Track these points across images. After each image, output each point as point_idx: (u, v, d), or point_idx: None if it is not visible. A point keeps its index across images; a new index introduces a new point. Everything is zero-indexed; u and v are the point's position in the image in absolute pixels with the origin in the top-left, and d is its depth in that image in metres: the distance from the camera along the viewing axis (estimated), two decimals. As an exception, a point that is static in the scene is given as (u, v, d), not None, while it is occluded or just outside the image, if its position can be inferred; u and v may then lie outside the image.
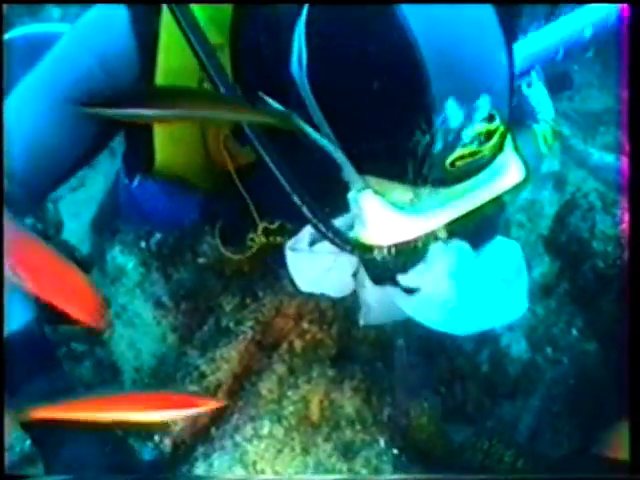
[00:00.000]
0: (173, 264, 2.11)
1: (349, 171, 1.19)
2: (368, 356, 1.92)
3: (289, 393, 1.79)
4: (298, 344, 1.87)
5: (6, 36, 2.60)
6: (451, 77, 1.07)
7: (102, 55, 1.49)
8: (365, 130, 1.15)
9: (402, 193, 1.18)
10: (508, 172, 1.24)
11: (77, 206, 2.74)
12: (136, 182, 1.79)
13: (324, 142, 1.18)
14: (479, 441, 1.95)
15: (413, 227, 1.22)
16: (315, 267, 1.56)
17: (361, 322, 1.70)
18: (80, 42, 1.53)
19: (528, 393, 2.14)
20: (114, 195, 2.52)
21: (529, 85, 1.91)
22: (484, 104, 1.09)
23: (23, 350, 1.48)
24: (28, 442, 1.87)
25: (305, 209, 1.27)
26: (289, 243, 1.56)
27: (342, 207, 1.26)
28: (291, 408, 1.76)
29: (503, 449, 1.92)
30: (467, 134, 1.10)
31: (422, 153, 1.11)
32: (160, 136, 1.55)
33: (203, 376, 1.84)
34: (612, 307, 1.89)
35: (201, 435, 1.79)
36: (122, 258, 2.16)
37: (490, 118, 1.11)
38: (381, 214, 1.20)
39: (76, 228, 2.58)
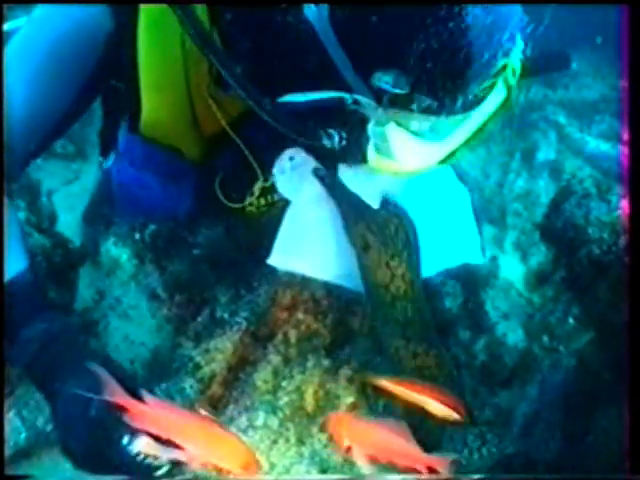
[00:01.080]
0: (167, 256, 2.11)
1: (369, 105, 1.22)
2: (363, 346, 1.90)
3: (284, 384, 1.78)
4: (293, 334, 1.86)
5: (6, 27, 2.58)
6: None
7: (78, 21, 1.49)
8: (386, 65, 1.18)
9: (421, 122, 1.24)
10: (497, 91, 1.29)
11: (71, 199, 2.72)
12: (110, 160, 1.76)
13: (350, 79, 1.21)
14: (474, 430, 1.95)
15: (435, 152, 1.29)
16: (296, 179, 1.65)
17: None
18: (57, 9, 1.52)
19: (525, 382, 2.13)
20: (105, 185, 2.51)
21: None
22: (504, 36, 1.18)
23: (21, 296, 1.46)
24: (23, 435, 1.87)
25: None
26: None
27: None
28: (286, 399, 1.75)
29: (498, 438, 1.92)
30: (493, 68, 1.19)
31: (457, 86, 1.17)
32: (146, 95, 1.53)
33: (198, 367, 1.83)
34: (608, 294, 1.88)
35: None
36: (116, 250, 2.16)
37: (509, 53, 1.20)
38: (406, 143, 1.26)
39: (70, 221, 2.56)
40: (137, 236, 2.14)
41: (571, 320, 2.15)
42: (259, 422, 1.71)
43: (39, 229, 2.24)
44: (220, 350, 1.84)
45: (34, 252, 2.08)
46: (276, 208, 1.76)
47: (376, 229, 1.71)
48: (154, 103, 1.55)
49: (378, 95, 1.21)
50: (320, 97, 1.25)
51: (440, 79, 1.17)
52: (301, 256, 1.72)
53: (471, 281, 2.29)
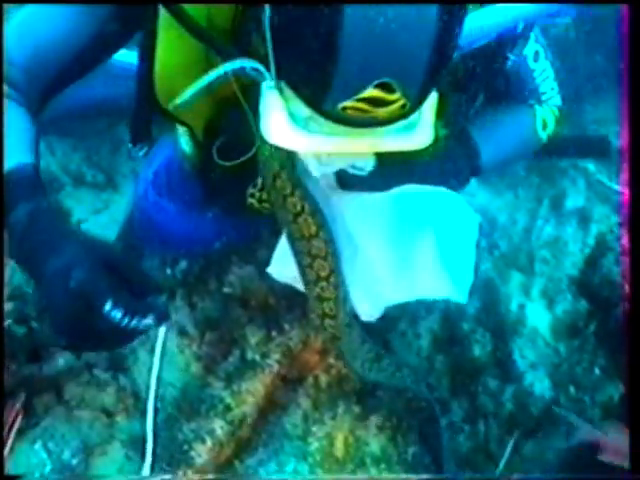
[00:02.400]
0: (198, 293, 2.11)
1: (272, 68, 1.33)
2: (393, 393, 1.90)
3: (314, 429, 1.78)
4: (324, 379, 1.85)
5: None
6: (363, 46, 1.22)
7: None
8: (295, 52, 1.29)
9: (300, 109, 1.34)
10: (415, 134, 1.40)
11: (100, 228, 2.73)
12: (142, 151, 1.82)
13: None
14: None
15: (301, 140, 1.37)
16: None
17: None
18: None
19: (550, 432, 2.13)
20: (135, 217, 2.52)
21: (536, 58, 1.90)
22: (381, 74, 1.24)
23: (17, 185, 1.49)
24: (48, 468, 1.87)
25: None
26: None
27: None
28: (316, 444, 1.74)
29: None
30: (361, 93, 1.25)
31: (324, 89, 1.26)
32: (164, 52, 1.60)
33: (228, 409, 1.83)
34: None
35: (225, 468, 1.78)
36: (147, 284, 2.16)
37: (387, 89, 1.25)
38: (277, 114, 1.36)
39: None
40: (168, 271, 2.14)
41: (597, 371, 2.15)
42: (289, 467, 1.71)
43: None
44: (251, 392, 1.84)
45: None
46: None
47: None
48: (171, 63, 1.60)
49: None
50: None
51: (304, 84, 1.31)
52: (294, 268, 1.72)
53: (500, 329, 2.30)
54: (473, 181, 1.86)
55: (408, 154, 1.47)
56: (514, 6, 1.58)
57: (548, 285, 2.52)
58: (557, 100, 1.98)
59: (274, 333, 1.95)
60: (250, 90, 1.53)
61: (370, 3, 1.21)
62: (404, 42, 1.23)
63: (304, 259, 1.71)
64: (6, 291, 1.98)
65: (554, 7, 1.62)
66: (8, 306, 1.97)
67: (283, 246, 1.73)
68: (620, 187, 2.79)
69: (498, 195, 2.79)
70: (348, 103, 1.27)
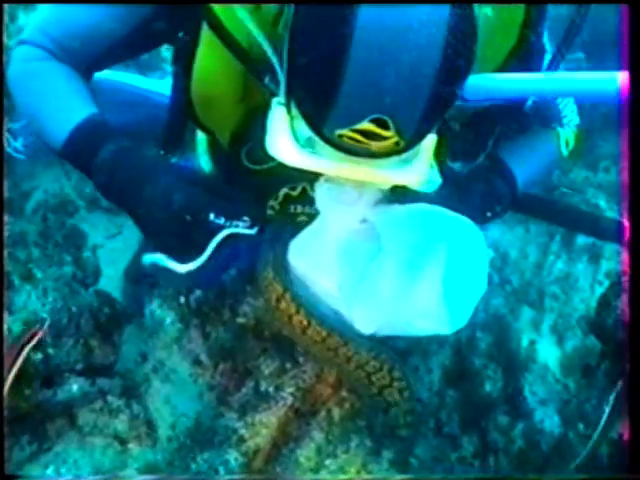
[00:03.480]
0: (212, 322, 2.12)
1: (282, 86, 1.43)
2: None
3: (327, 462, 1.78)
4: (337, 412, 1.86)
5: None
6: (365, 79, 1.28)
7: None
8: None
9: (304, 130, 1.42)
10: (408, 171, 1.46)
11: (115, 254, 2.75)
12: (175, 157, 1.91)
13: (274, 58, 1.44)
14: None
15: (301, 158, 1.44)
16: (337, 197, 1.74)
17: None
18: None
19: (559, 469, 2.13)
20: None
21: None
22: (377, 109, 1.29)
23: (92, 132, 1.69)
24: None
25: None
26: None
27: None
28: (329, 478, 1.75)
29: None
30: (357, 124, 1.31)
31: (325, 113, 1.33)
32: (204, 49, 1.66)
33: (242, 440, 1.84)
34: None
35: (238, 499, 1.79)
36: (161, 312, 2.17)
37: (382, 124, 1.30)
38: (282, 130, 1.44)
39: (113, 275, 2.59)
40: (182, 300, 2.15)
41: (606, 407, 2.15)
42: (302, 500, 1.72)
43: (85, 285, 2.25)
44: (265, 425, 1.85)
45: (81, 310, 2.10)
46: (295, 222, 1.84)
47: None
48: (210, 63, 1.68)
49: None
50: None
51: (308, 105, 1.39)
52: (314, 260, 1.74)
53: (511, 365, 2.30)
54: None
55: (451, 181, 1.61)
56: (525, 79, 1.60)
57: (558, 321, 2.54)
58: (576, 120, 2.06)
59: (288, 365, 1.96)
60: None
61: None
62: (405, 82, 1.28)
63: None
64: (22, 316, 1.99)
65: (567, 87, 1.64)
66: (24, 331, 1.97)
67: (305, 238, 1.76)
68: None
69: (509, 230, 2.81)
70: (344, 131, 1.34)
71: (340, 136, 1.35)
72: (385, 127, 1.31)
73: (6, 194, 2.26)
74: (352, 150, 1.38)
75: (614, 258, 2.61)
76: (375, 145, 1.35)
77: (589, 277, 2.68)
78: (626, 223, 2.45)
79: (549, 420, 2.22)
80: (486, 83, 1.56)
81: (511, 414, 2.19)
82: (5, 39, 2.63)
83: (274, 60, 1.44)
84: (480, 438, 2.11)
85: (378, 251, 1.72)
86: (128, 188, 1.64)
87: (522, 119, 1.89)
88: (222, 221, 1.60)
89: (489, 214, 1.87)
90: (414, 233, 1.73)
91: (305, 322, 1.73)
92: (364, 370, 1.76)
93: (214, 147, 1.99)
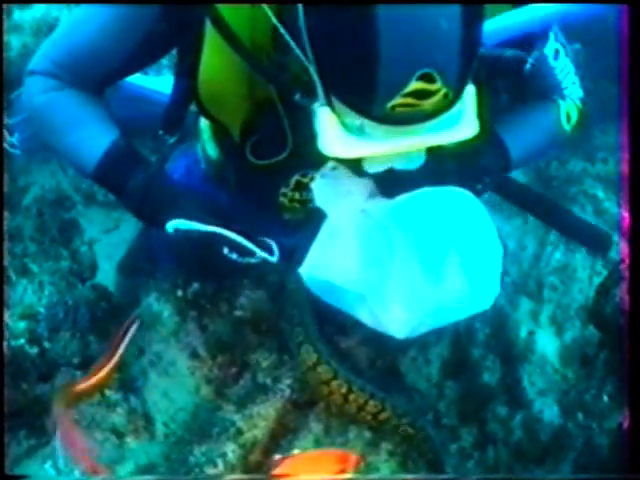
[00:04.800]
0: (209, 315, 2.11)
1: (319, 88, 1.42)
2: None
3: (325, 453, 1.78)
4: (335, 403, 1.86)
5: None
6: (399, 42, 1.30)
7: None
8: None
9: (353, 119, 1.42)
10: (461, 126, 1.47)
11: (111, 248, 2.74)
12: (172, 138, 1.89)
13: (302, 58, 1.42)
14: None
15: (357, 147, 1.45)
16: (334, 190, 1.77)
17: None
18: None
19: (558, 459, 2.12)
20: (145, 237, 2.54)
21: (556, 57, 1.93)
22: (421, 65, 1.31)
23: (120, 158, 1.77)
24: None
25: None
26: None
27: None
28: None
29: None
30: (406, 88, 1.32)
31: (370, 93, 1.34)
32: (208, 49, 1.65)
33: (240, 432, 1.84)
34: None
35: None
36: (158, 306, 2.17)
37: (428, 79, 1.32)
38: (331, 129, 1.44)
39: (110, 270, 2.58)
40: (179, 293, 2.14)
41: (605, 398, 2.14)
42: (300, 492, 1.71)
43: (82, 279, 2.25)
44: (263, 417, 1.85)
45: (78, 303, 2.10)
46: (308, 212, 1.86)
47: None
48: (215, 63, 1.66)
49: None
50: None
51: (350, 93, 1.39)
52: (334, 266, 1.74)
53: (510, 356, 2.30)
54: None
55: (439, 156, 1.60)
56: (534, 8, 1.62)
57: (557, 312, 2.53)
58: (579, 92, 2.03)
59: (285, 357, 1.96)
60: (286, 94, 1.60)
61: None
62: (436, 31, 1.32)
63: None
64: (18, 310, 1.99)
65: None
66: (20, 325, 1.97)
67: (319, 247, 1.76)
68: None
69: (507, 221, 2.80)
70: (395, 100, 1.34)
71: (392, 108, 1.35)
72: (431, 80, 1.33)
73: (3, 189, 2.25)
74: (407, 119, 1.40)
75: (612, 248, 2.60)
76: (427, 104, 1.36)
77: (587, 267, 2.67)
78: (625, 214, 2.45)
79: (548, 410, 2.21)
80: (494, 25, 1.60)
81: (510, 405, 2.19)
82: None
83: (297, 60, 1.44)
84: (479, 429, 2.11)
85: (390, 244, 1.72)
86: (156, 216, 1.74)
87: (520, 85, 1.89)
88: (234, 256, 1.69)
89: (479, 186, 1.86)
90: (421, 221, 1.74)
91: (344, 389, 1.82)
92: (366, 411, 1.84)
93: (219, 134, 1.99)
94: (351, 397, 1.82)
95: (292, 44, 1.42)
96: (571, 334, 2.46)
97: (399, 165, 1.58)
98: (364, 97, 1.37)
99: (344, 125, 1.44)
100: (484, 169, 1.89)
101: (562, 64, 1.95)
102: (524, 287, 2.58)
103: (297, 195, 1.85)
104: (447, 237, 1.74)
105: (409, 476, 1.85)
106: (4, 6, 2.77)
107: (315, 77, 1.41)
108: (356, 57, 1.33)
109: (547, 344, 2.44)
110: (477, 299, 1.76)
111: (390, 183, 1.76)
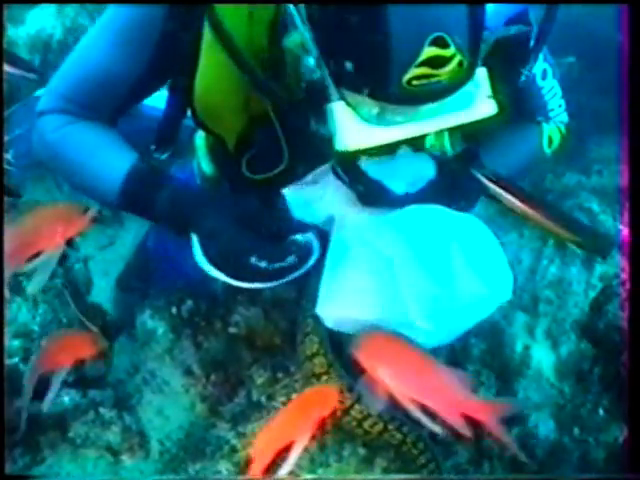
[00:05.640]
0: (204, 332, 2.11)
1: (329, 84, 1.41)
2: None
3: (320, 471, 1.78)
4: (329, 421, 1.85)
5: (42, 91, 2.64)
6: (407, 9, 1.31)
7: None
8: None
9: (370, 107, 1.41)
10: (477, 105, 1.48)
11: (106, 265, 2.74)
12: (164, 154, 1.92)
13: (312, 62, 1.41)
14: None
15: (378, 136, 1.44)
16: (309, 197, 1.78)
17: None
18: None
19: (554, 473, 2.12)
20: (143, 253, 2.54)
21: (544, 76, 1.94)
22: (432, 29, 1.31)
23: (143, 179, 1.72)
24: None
25: None
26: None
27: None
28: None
29: None
30: (419, 56, 1.31)
31: (384, 66, 1.33)
32: (204, 68, 1.65)
33: (234, 450, 1.83)
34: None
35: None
36: (152, 323, 2.17)
37: (441, 44, 1.31)
38: (350, 122, 1.43)
39: (105, 286, 2.59)
40: (174, 310, 2.15)
41: (601, 412, 2.14)
42: (295, 510, 1.71)
43: (76, 297, 2.25)
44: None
45: (71, 322, 2.10)
46: None
47: None
48: (212, 74, 1.66)
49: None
50: None
51: (364, 75, 1.38)
52: (347, 301, 1.72)
53: (505, 371, 2.29)
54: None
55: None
56: None
57: (552, 326, 2.53)
58: (564, 117, 2.04)
59: (280, 374, 1.95)
60: (281, 109, 1.64)
61: None
62: None
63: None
64: (12, 329, 1.98)
65: None
66: (15, 344, 1.97)
67: (327, 282, 1.74)
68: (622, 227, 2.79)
69: (503, 234, 2.80)
70: (410, 72, 1.33)
71: (409, 82, 1.34)
72: (445, 45, 1.32)
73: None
74: (424, 95, 1.38)
75: (608, 262, 2.60)
76: (443, 73, 1.35)
77: (583, 281, 2.67)
78: (623, 228, 2.45)
79: (544, 425, 2.20)
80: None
81: (505, 420, 2.18)
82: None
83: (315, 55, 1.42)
84: (475, 445, 2.10)
85: (391, 263, 1.71)
86: (184, 229, 1.70)
87: (514, 99, 1.89)
88: (264, 264, 1.63)
89: (453, 207, 1.85)
90: (415, 231, 1.74)
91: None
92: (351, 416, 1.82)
93: (215, 150, 1.99)
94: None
95: (298, 21, 1.41)
96: (567, 348, 2.45)
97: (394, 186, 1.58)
98: (379, 75, 1.36)
99: (361, 116, 1.43)
100: (462, 191, 1.87)
101: (549, 85, 1.96)
102: (519, 301, 2.58)
103: None
104: (445, 240, 1.73)
105: (409, 476, 1.85)
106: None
107: (325, 71, 1.41)
108: (366, 31, 1.32)
109: (543, 358, 2.43)
110: (494, 291, 1.75)
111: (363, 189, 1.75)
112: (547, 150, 2.03)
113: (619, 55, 2.10)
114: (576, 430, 2.15)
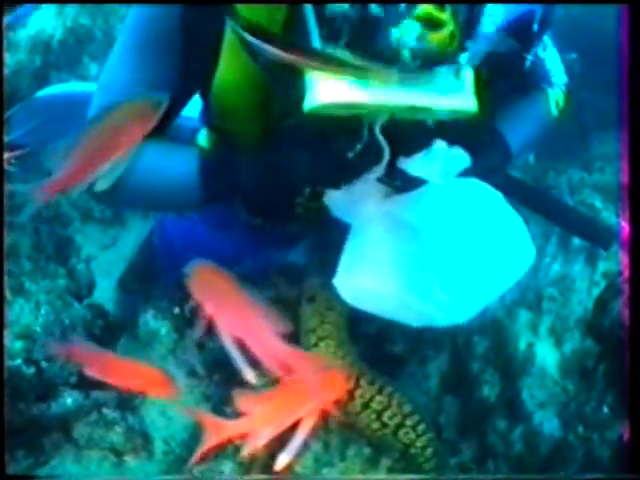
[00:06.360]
0: (207, 333, 2.10)
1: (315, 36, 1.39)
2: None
3: (324, 471, 1.77)
4: (334, 421, 1.85)
5: (43, 92, 2.64)
6: None
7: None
8: None
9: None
10: (461, 97, 1.44)
11: (108, 265, 2.74)
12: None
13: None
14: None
15: (351, 94, 1.38)
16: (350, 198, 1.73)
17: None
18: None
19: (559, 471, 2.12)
20: (148, 250, 2.54)
21: (544, 48, 1.97)
22: None
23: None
24: None
25: None
26: None
27: None
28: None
29: None
30: (416, 9, 1.29)
31: (377, 19, 1.31)
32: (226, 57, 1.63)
33: (237, 450, 1.82)
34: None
35: (233, 510, 1.78)
36: (155, 323, 2.16)
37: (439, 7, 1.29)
38: (325, 78, 1.38)
39: (107, 287, 2.58)
40: (177, 310, 2.14)
41: (606, 409, 2.14)
42: (299, 510, 1.70)
43: (79, 298, 2.25)
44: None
45: (74, 323, 2.10)
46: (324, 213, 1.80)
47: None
48: (232, 76, 1.63)
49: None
50: None
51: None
52: (368, 272, 1.71)
53: (509, 368, 2.29)
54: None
55: None
56: None
57: (556, 323, 2.52)
58: (564, 78, 2.06)
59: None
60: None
61: None
62: None
63: None
64: (14, 330, 1.98)
65: None
66: (17, 345, 1.97)
67: (349, 255, 1.73)
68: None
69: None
70: (402, 28, 1.30)
71: (398, 38, 1.31)
72: (441, 7, 1.30)
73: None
74: (410, 58, 1.34)
75: (611, 258, 2.59)
76: (435, 37, 1.32)
77: (586, 278, 2.66)
78: (624, 224, 2.45)
79: (548, 423, 2.20)
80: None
81: (510, 418, 2.18)
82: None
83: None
84: (479, 443, 2.10)
85: (417, 236, 1.70)
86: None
87: (520, 81, 1.90)
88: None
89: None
90: (441, 206, 1.73)
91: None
92: (371, 408, 1.79)
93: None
94: (357, 392, 1.81)
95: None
96: (571, 345, 2.44)
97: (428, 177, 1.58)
98: (367, 25, 1.33)
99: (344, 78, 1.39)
100: (488, 166, 1.87)
101: (550, 54, 2.00)
102: (522, 299, 2.57)
103: (313, 204, 1.83)
104: (473, 213, 1.73)
105: (409, 476, 1.85)
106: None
107: (311, 21, 1.40)
108: None
109: (547, 356, 2.42)
110: (515, 262, 1.75)
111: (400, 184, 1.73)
112: (555, 113, 2.05)
113: (620, 52, 2.10)
114: (580, 428, 2.14)
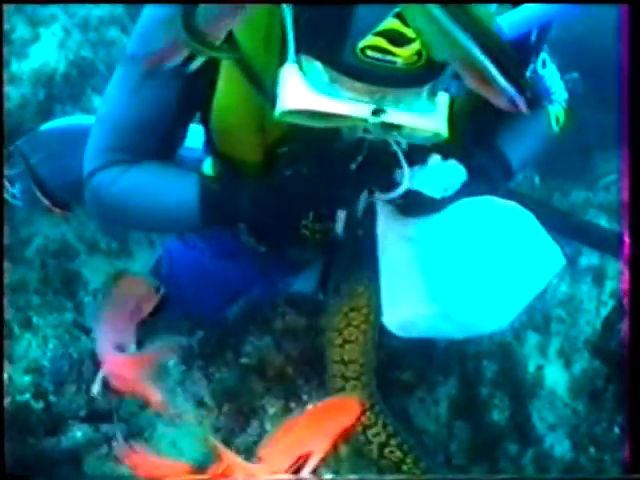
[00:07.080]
0: (215, 363, 2.11)
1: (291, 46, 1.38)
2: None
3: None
4: (344, 449, 1.84)
5: (47, 125, 2.65)
6: None
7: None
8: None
9: (320, 74, 1.37)
10: (432, 119, 1.43)
11: (116, 297, 2.73)
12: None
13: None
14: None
15: (319, 103, 1.38)
16: None
17: None
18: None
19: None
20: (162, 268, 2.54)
21: (544, 65, 1.95)
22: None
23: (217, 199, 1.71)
24: None
25: None
26: None
27: None
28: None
29: None
30: (381, 25, 1.28)
31: (343, 33, 1.30)
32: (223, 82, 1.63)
33: (248, 482, 1.82)
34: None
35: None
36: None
37: (404, 20, 1.26)
38: (295, 84, 1.38)
39: (115, 319, 2.58)
40: (184, 342, 2.14)
41: (617, 430, 2.13)
42: (309, 541, 1.69)
43: (86, 331, 2.25)
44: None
45: (82, 357, 2.10)
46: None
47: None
48: (229, 99, 1.64)
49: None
50: None
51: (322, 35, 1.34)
52: (405, 301, 1.72)
53: (518, 392, 2.29)
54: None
55: None
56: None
57: (565, 345, 2.52)
58: (564, 95, 2.05)
59: (292, 404, 1.95)
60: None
61: None
62: None
63: None
64: (22, 365, 1.98)
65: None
66: (25, 380, 1.97)
67: (387, 289, 1.75)
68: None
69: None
70: (368, 41, 1.29)
71: (363, 50, 1.30)
72: (406, 23, 1.27)
73: (5, 241, 2.25)
74: (376, 70, 1.34)
75: (618, 278, 2.59)
76: (399, 52, 1.31)
77: (594, 298, 2.66)
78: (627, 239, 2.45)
79: (559, 445, 2.19)
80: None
81: (520, 442, 2.17)
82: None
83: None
84: (490, 468, 2.09)
85: (443, 256, 1.71)
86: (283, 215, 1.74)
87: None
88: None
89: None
90: (461, 224, 1.73)
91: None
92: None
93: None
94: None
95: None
96: (580, 366, 2.44)
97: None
98: (336, 37, 1.32)
99: (310, 82, 1.39)
100: (490, 184, 1.87)
101: (549, 71, 1.99)
102: (530, 321, 2.57)
103: (318, 226, 1.83)
104: (491, 230, 1.72)
105: (407, 476, 1.84)
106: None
107: (289, 32, 1.38)
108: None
109: (556, 378, 2.42)
110: (544, 264, 1.75)
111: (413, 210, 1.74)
112: (556, 129, 2.03)
113: (622, 69, 2.10)
114: (592, 449, 2.13)
